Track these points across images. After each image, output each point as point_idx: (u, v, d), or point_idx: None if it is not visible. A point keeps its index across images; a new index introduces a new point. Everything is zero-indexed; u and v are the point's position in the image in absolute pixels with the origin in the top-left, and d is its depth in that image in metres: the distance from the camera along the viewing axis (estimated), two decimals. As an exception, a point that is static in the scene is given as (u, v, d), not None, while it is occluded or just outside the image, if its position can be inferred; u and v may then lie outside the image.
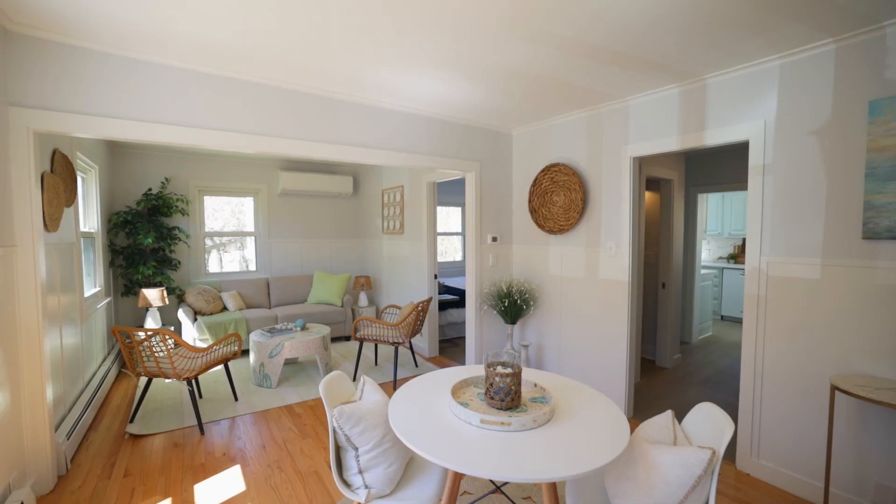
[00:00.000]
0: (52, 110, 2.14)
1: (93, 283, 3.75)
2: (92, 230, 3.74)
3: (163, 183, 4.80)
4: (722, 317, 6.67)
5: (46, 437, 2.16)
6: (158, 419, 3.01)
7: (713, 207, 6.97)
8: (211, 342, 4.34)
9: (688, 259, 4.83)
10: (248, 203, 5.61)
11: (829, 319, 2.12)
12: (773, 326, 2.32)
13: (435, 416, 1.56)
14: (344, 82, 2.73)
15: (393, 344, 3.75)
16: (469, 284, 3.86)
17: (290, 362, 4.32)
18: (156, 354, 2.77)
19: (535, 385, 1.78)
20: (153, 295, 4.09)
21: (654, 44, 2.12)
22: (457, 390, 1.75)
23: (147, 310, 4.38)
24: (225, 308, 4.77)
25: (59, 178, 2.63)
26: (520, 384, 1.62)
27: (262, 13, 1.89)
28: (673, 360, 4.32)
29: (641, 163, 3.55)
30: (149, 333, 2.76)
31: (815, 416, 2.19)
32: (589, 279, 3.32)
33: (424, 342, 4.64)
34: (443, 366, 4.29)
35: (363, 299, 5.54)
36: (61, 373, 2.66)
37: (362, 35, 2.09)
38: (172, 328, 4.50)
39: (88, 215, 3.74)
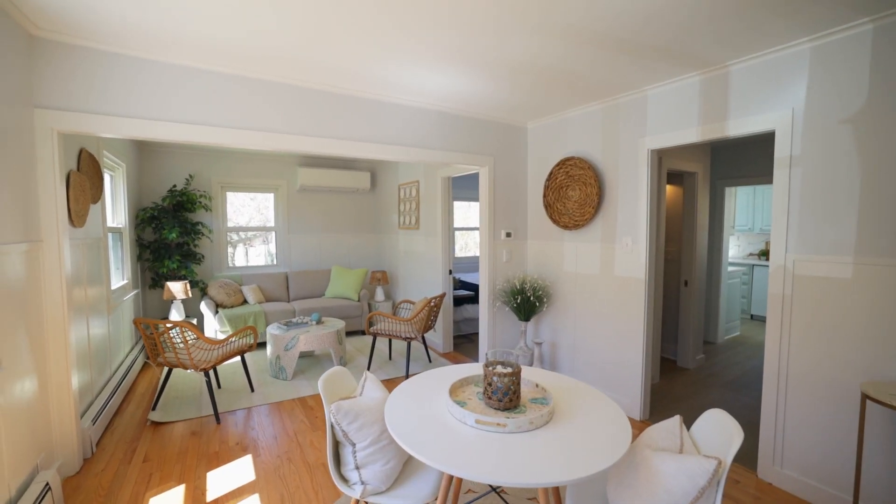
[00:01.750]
0: (75, 111, 2.23)
1: (121, 276, 3.92)
2: (119, 225, 3.91)
3: (187, 179, 4.95)
4: (752, 316, 6.37)
5: (72, 422, 2.28)
6: (178, 407, 3.13)
7: (743, 202, 6.64)
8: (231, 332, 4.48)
9: (713, 255, 4.63)
10: (269, 199, 5.73)
11: (860, 322, 1.98)
12: (799, 328, 2.18)
13: (432, 415, 1.54)
14: (352, 78, 2.72)
15: (405, 339, 3.76)
16: (482, 280, 3.82)
17: (305, 355, 4.41)
18: (175, 346, 2.87)
19: (537, 386, 1.74)
20: (177, 288, 4.24)
21: (672, 29, 2.01)
22: (455, 389, 1.73)
23: (172, 302, 4.55)
24: (245, 301, 4.91)
25: (85, 176, 2.74)
26: (519, 384, 1.58)
27: (267, 13, 1.90)
28: (695, 361, 4.16)
29: (661, 155, 3.40)
30: (167, 326, 2.86)
31: (843, 424, 2.05)
32: (604, 276, 3.22)
33: (438, 337, 4.64)
34: (456, 362, 4.28)
35: (380, 294, 5.58)
36: (88, 361, 2.79)
37: (361, 31, 2.07)
38: (195, 320, 4.66)
39: (116, 211, 3.91)
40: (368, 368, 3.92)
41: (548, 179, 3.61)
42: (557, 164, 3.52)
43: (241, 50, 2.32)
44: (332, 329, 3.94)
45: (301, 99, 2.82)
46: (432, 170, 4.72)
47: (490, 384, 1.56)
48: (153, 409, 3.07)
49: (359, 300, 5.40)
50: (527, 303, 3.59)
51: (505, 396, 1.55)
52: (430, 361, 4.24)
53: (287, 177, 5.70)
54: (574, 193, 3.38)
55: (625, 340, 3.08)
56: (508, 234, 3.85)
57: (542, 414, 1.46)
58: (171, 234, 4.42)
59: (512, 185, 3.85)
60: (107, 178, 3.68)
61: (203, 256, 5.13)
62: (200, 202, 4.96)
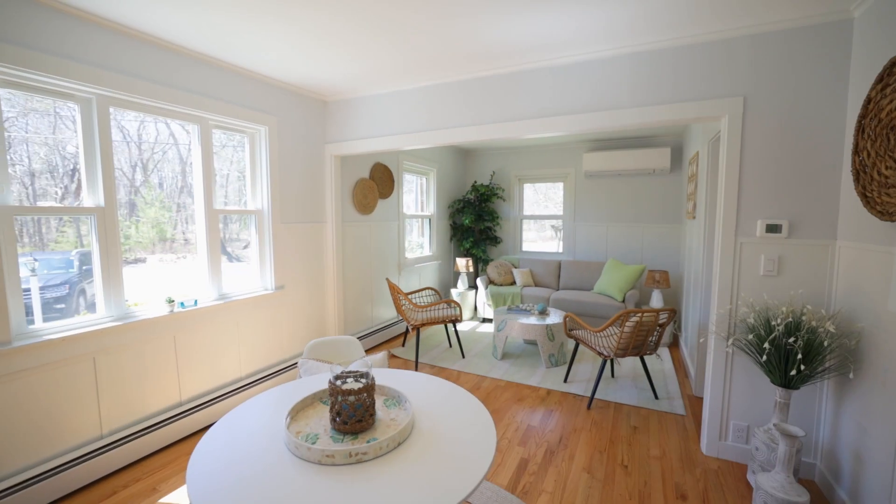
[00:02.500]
0: (338, 141, 3.53)
1: (426, 250, 5.48)
2: (429, 213, 5.44)
3: (491, 175, 5.99)
4: None
5: (339, 332, 3.70)
6: (412, 350, 4.15)
7: None
8: (494, 308, 5.16)
9: None
10: (559, 188, 5.89)
11: None
12: None
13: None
14: (529, 50, 2.55)
15: (599, 355, 3.03)
16: (713, 300, 2.41)
17: (531, 343, 4.40)
18: (400, 303, 3.85)
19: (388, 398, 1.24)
20: (461, 263, 5.37)
21: None
22: (301, 410, 1.46)
23: (458, 274, 5.78)
24: (513, 282, 5.42)
25: (373, 181, 4.17)
26: (373, 402, 1.24)
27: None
28: None
29: None
30: (393, 284, 3.87)
31: None
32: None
33: (667, 367, 3.27)
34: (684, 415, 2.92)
35: (656, 299, 4.50)
36: (370, 297, 4.29)
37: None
38: (474, 291, 5.67)
39: (428, 202, 5.46)
40: (567, 376, 3.44)
41: (864, 115, 1.76)
42: (882, 81, 1.64)
43: (424, 69, 2.80)
44: (542, 322, 3.76)
45: (482, 87, 2.94)
46: (701, 133, 3.27)
47: (335, 403, 1.32)
48: (402, 345, 4.26)
49: (623, 301, 4.61)
50: (786, 355, 1.97)
51: (351, 418, 1.27)
52: (656, 398, 3.13)
53: (575, 164, 5.61)
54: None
55: None
56: (773, 229, 2.18)
57: (385, 441, 1.12)
58: (465, 220, 5.61)
59: (781, 137, 2.13)
60: (417, 179, 5.23)
61: (501, 239, 6.08)
62: (497, 194, 5.88)
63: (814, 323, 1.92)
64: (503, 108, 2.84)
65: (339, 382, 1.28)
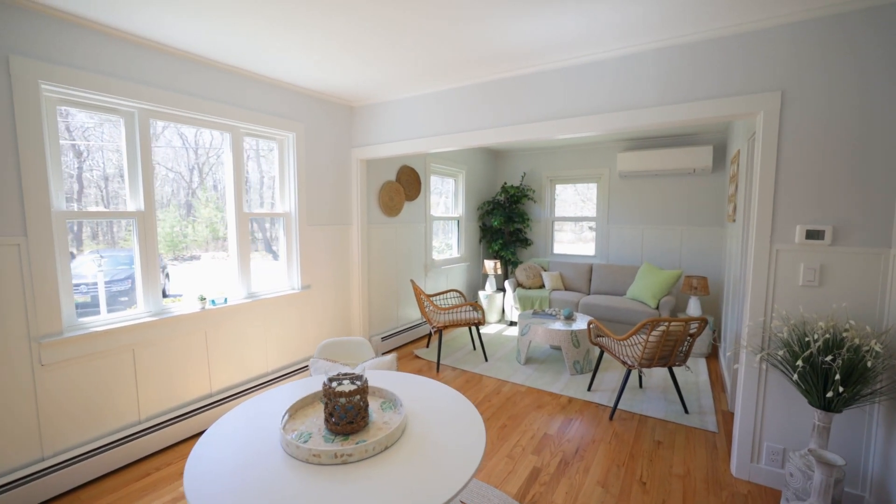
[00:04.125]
0: (363, 146, 3.61)
1: (454, 251, 5.49)
2: (457, 215, 5.44)
3: (522, 176, 5.90)
4: None
5: (361, 327, 3.80)
6: (435, 351, 4.17)
7: None
8: (521, 311, 5.08)
9: None
10: (592, 189, 5.70)
11: None
12: None
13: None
14: (531, 53, 2.52)
15: (623, 364, 2.91)
16: (745, 311, 2.24)
17: (556, 348, 4.28)
18: (423, 305, 3.89)
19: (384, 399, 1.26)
20: (489, 265, 5.33)
21: None
22: (300, 409, 1.51)
23: (486, 276, 5.73)
24: (542, 285, 5.31)
25: (399, 184, 4.24)
26: (366, 404, 1.27)
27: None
28: None
29: None
30: (416, 285, 3.91)
31: None
32: None
33: (703, 378, 3.06)
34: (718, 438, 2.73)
35: (693, 307, 4.25)
36: (395, 297, 4.36)
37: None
38: (502, 294, 5.58)
39: (457, 204, 5.46)
40: (591, 384, 3.32)
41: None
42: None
43: (443, 73, 2.83)
44: (567, 328, 3.66)
45: (502, 89, 2.92)
46: (741, 130, 3.05)
47: (327, 403, 1.35)
48: (426, 346, 4.30)
49: (657, 308, 4.39)
50: (822, 375, 1.80)
51: (342, 420, 1.30)
52: (686, 412, 2.96)
53: (609, 164, 5.41)
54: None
55: None
56: (814, 235, 2.00)
57: (373, 443, 1.16)
58: (494, 222, 5.56)
59: (834, 128, 1.94)
60: (445, 181, 5.25)
61: (531, 242, 5.98)
62: (527, 195, 5.79)
63: (857, 341, 1.74)
64: (524, 110, 2.79)
65: (333, 384, 1.32)
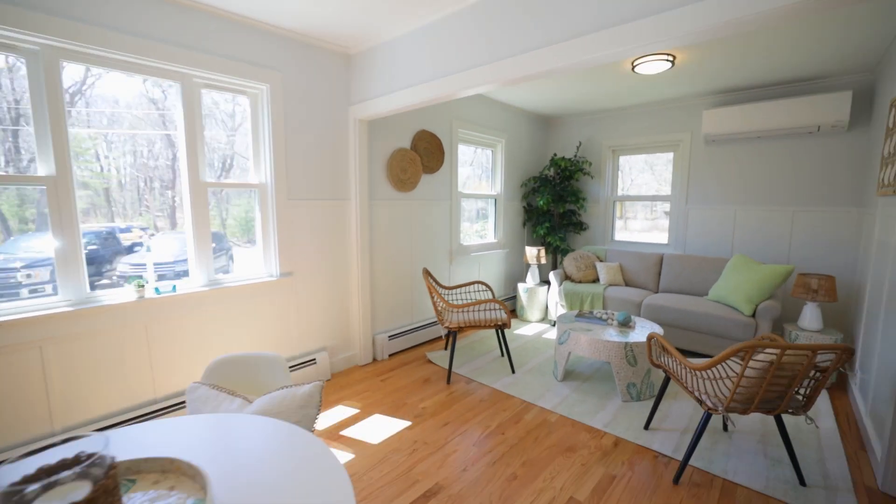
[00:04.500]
0: (362, 101, 2.93)
1: (491, 236, 4.67)
2: (494, 193, 4.60)
3: (577, 146, 4.87)
4: None
5: (361, 326, 3.20)
6: (455, 356, 3.45)
7: None
8: (566, 310, 4.17)
9: None
10: (668, 160, 4.52)
11: None
12: None
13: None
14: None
15: (699, 403, 1.97)
16: None
17: (607, 362, 3.33)
18: (435, 302, 3.17)
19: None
20: (531, 253, 4.46)
21: None
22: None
23: (528, 266, 4.83)
24: (596, 279, 4.31)
25: (415, 152, 3.52)
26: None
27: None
28: None
29: None
30: (427, 273, 3.19)
31: None
32: None
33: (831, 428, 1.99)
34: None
35: (810, 317, 3.06)
36: (409, 289, 3.69)
37: None
38: (547, 287, 4.65)
39: (494, 179, 4.62)
40: (648, 421, 2.39)
41: None
42: None
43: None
44: (621, 339, 2.74)
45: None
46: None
47: None
48: (445, 349, 3.59)
49: (753, 316, 3.25)
50: None
51: None
52: (802, 484, 1.94)
53: (691, 127, 4.21)
54: None
55: None
56: None
57: None
58: (540, 202, 4.64)
59: None
60: (482, 152, 4.43)
61: (586, 226, 4.98)
62: (583, 170, 4.78)
63: None
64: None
65: (27, 489, 0.64)
